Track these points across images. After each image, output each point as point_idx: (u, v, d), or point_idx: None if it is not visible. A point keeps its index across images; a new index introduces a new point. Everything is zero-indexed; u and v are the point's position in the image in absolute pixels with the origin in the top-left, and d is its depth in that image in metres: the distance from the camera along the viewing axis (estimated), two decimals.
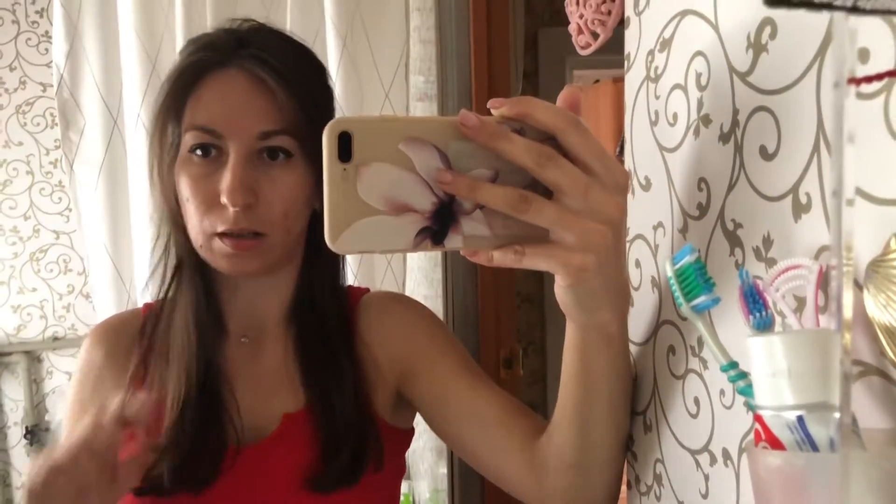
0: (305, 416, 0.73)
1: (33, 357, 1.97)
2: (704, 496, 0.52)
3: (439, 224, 0.43)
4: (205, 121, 0.67)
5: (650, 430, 0.61)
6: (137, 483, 0.63)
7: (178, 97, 0.69)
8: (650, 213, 0.60)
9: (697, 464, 0.53)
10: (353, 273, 1.56)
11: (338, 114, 1.55)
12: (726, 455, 0.49)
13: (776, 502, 0.33)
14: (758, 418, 0.35)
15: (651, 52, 0.58)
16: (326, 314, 0.77)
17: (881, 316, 0.34)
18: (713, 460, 0.51)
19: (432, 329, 0.79)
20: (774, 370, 0.34)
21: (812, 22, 0.39)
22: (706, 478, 0.52)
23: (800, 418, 0.33)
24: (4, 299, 1.95)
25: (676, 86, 0.54)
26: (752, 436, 0.46)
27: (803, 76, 0.40)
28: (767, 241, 0.44)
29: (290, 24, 1.56)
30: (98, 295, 1.70)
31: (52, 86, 1.76)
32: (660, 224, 0.58)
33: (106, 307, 1.67)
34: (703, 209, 0.51)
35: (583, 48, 0.67)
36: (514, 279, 1.65)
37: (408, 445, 0.83)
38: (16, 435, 1.96)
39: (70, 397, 0.81)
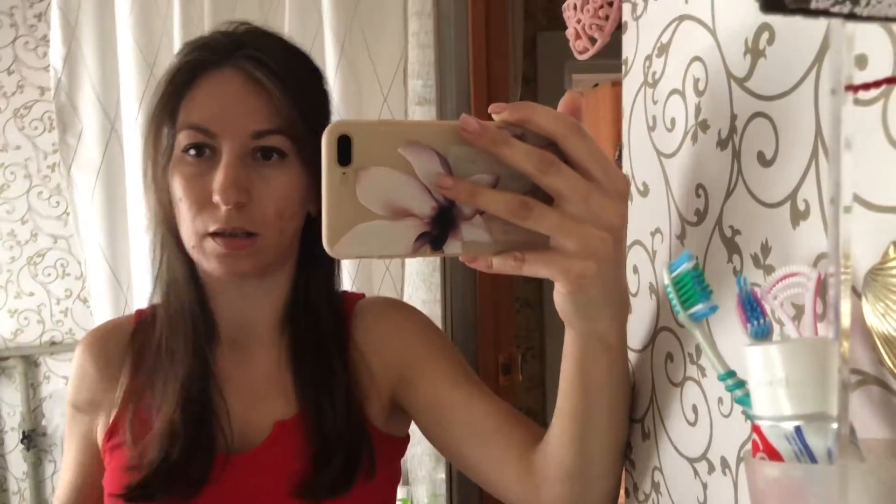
0: (297, 423, 0.73)
1: (30, 361, 1.96)
2: None
3: (439, 229, 0.43)
4: (198, 120, 0.67)
5: (648, 437, 0.61)
6: None
7: (172, 97, 0.69)
8: (648, 219, 0.59)
9: (695, 472, 0.53)
10: (350, 278, 1.56)
11: (335, 118, 1.55)
12: (724, 463, 0.49)
13: None
14: (755, 428, 0.35)
15: (649, 58, 0.58)
16: (320, 320, 0.76)
17: (880, 324, 0.33)
18: (711, 469, 0.51)
19: (428, 336, 0.79)
20: (772, 379, 0.33)
21: (810, 28, 0.39)
22: (704, 486, 0.52)
23: (797, 429, 0.32)
24: (2, 303, 1.95)
25: (674, 91, 0.54)
26: (750, 445, 0.45)
27: (801, 82, 0.40)
28: (765, 248, 0.43)
29: (288, 28, 1.56)
30: (96, 299, 1.70)
31: (49, 89, 1.76)
32: (657, 230, 0.58)
33: (103, 312, 1.67)
34: (700, 215, 0.51)
35: (580, 53, 0.66)
36: (512, 284, 1.65)
37: (402, 453, 0.83)
38: (13, 440, 1.96)
39: (67, 404, 0.81)
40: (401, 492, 1.60)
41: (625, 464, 0.64)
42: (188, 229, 0.69)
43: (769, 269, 0.43)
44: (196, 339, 0.75)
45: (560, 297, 0.50)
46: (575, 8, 0.66)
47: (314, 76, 0.76)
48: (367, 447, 0.73)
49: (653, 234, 0.59)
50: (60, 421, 1.95)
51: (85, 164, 1.65)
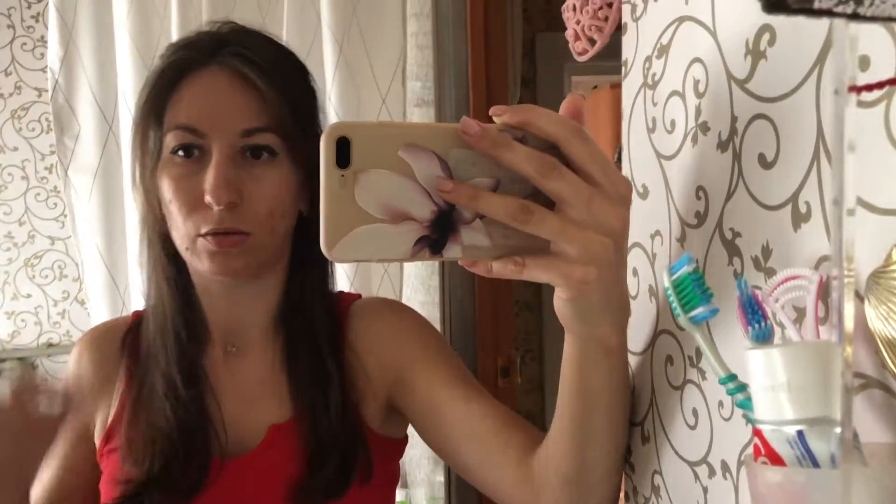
0: (292, 426, 0.72)
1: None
2: None
3: (438, 233, 0.43)
4: (186, 120, 0.67)
5: (648, 441, 0.60)
6: None
7: (158, 98, 0.68)
8: (648, 221, 0.59)
9: (696, 476, 0.53)
10: (349, 280, 1.55)
11: (332, 118, 1.54)
12: (725, 467, 0.48)
13: None
14: (757, 433, 0.35)
15: (648, 59, 0.57)
16: (314, 322, 0.76)
17: (882, 328, 0.33)
18: (712, 472, 0.50)
19: (425, 337, 0.78)
20: (774, 384, 0.33)
21: (811, 29, 0.39)
22: (705, 490, 0.51)
23: (800, 433, 0.32)
24: None
25: (674, 93, 0.53)
26: (751, 449, 0.45)
27: (802, 83, 0.39)
28: (766, 251, 0.43)
29: (286, 29, 1.55)
30: (93, 301, 1.69)
31: (47, 91, 1.76)
32: (657, 232, 0.57)
33: (101, 313, 1.66)
34: (701, 217, 0.50)
35: (580, 54, 0.66)
36: (511, 287, 1.65)
37: (400, 454, 0.82)
38: None
39: None
40: (399, 495, 1.59)
41: (624, 467, 0.64)
42: (180, 231, 0.69)
43: (770, 272, 0.43)
44: (187, 342, 0.75)
45: (560, 302, 0.49)
46: (574, 9, 0.66)
47: (301, 73, 0.75)
48: (362, 449, 0.72)
49: (652, 237, 0.58)
50: None
51: (82, 165, 1.65)
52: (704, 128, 0.50)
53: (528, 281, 0.46)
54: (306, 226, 0.74)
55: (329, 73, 1.52)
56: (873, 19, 0.24)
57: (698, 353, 0.52)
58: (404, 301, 1.57)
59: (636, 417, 0.63)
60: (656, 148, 0.57)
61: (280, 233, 0.72)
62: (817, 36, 0.38)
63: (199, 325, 0.77)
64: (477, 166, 0.42)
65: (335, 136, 0.41)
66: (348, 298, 0.82)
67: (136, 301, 1.58)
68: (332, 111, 1.52)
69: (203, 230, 0.67)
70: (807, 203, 0.39)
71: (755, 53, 0.44)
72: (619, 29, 0.63)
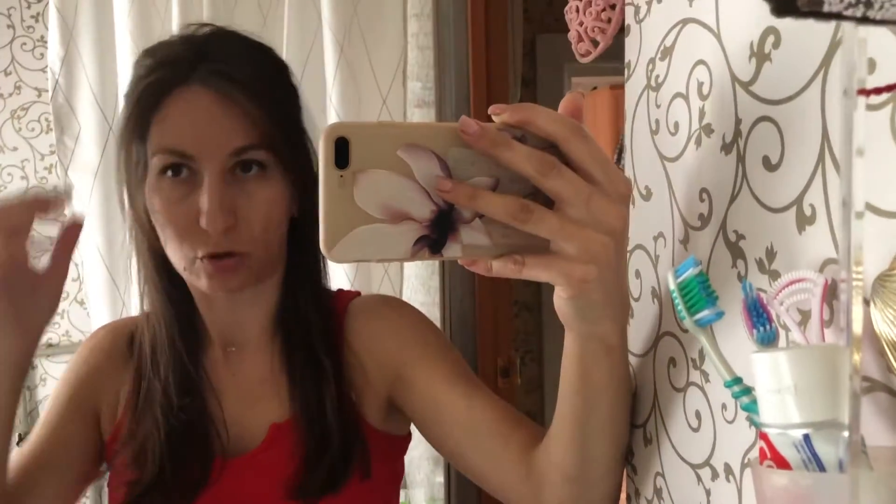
0: (292, 425, 0.73)
1: None
2: None
3: (438, 233, 0.43)
4: (174, 143, 0.66)
5: (650, 443, 0.60)
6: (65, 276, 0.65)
7: (142, 117, 0.67)
8: (651, 223, 0.59)
9: (699, 478, 0.52)
10: (349, 280, 1.55)
11: (332, 119, 1.55)
12: (728, 470, 0.48)
13: None
14: (763, 436, 0.34)
15: (652, 61, 0.57)
16: (309, 321, 0.76)
17: (888, 331, 0.33)
18: (715, 475, 0.50)
19: (424, 334, 0.78)
20: (780, 387, 0.33)
21: (817, 31, 0.38)
22: (707, 493, 0.51)
23: (806, 437, 0.32)
24: None
25: (678, 94, 0.53)
26: (755, 451, 0.45)
27: (808, 86, 0.39)
28: (770, 253, 0.43)
29: (287, 30, 1.55)
30: (93, 301, 1.69)
31: (47, 91, 1.75)
32: (660, 234, 0.57)
33: (100, 314, 1.66)
34: (704, 220, 0.50)
35: (583, 56, 0.66)
36: (511, 287, 1.65)
37: (403, 452, 0.82)
38: None
39: (61, 381, 0.79)
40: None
41: (627, 469, 0.64)
42: (176, 254, 0.69)
43: (774, 275, 0.43)
44: (186, 345, 0.75)
45: (560, 301, 0.49)
46: (577, 11, 0.66)
47: (281, 74, 0.74)
48: (360, 446, 0.72)
49: (655, 239, 0.58)
50: None
51: (82, 165, 1.64)
52: (708, 130, 0.50)
53: (527, 281, 0.46)
54: (298, 228, 0.74)
55: (330, 74, 1.52)
56: (883, 23, 0.24)
57: (701, 355, 0.52)
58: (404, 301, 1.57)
59: (638, 419, 0.63)
60: (659, 150, 0.57)
61: (275, 245, 0.72)
62: (823, 38, 0.38)
63: (197, 328, 0.77)
64: (476, 165, 0.42)
65: (334, 137, 0.40)
66: (347, 296, 0.82)
67: (137, 302, 1.58)
68: (333, 111, 1.52)
69: (200, 254, 0.67)
70: (811, 206, 0.39)
71: (760, 56, 0.43)
72: (622, 31, 0.63)
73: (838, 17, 0.24)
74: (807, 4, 0.23)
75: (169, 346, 0.75)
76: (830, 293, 0.37)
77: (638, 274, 0.62)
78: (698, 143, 0.51)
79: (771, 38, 0.42)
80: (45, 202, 0.60)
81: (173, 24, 1.55)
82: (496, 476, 0.67)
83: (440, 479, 1.57)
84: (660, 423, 0.58)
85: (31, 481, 0.72)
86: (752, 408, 0.39)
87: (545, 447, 0.61)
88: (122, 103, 0.72)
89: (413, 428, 0.81)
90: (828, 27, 0.38)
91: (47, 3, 1.73)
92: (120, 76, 1.59)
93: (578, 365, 0.54)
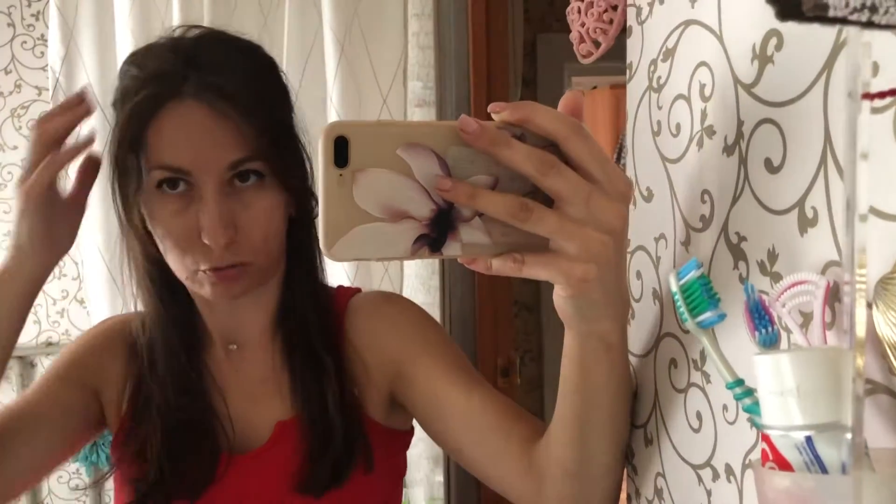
0: (296, 423, 0.73)
1: (26, 362, 1.96)
2: None
3: (437, 231, 0.43)
4: (170, 160, 0.65)
5: (651, 443, 0.61)
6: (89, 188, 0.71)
7: (135, 133, 0.66)
8: (652, 224, 0.59)
9: (699, 479, 0.53)
10: (349, 280, 1.55)
11: (333, 118, 1.54)
12: (729, 471, 0.49)
13: None
14: (765, 438, 0.35)
15: (654, 62, 0.57)
16: (307, 319, 0.76)
17: (890, 334, 0.33)
18: (716, 476, 0.50)
19: (425, 330, 0.78)
20: (783, 389, 0.33)
21: (819, 34, 0.39)
22: (708, 493, 0.51)
23: (808, 439, 0.32)
24: None
25: (679, 96, 0.54)
26: (756, 453, 0.45)
27: (810, 89, 0.39)
28: (772, 255, 0.43)
29: (287, 29, 1.55)
30: (92, 300, 1.69)
31: (47, 89, 1.75)
32: (662, 236, 0.57)
33: (100, 312, 1.66)
34: (706, 221, 0.50)
35: (584, 57, 0.66)
36: (511, 287, 1.65)
37: (406, 447, 0.82)
38: None
39: (62, 356, 0.79)
40: None
41: (627, 469, 0.64)
42: (178, 265, 0.69)
43: (776, 277, 0.43)
44: (187, 345, 0.76)
45: (560, 300, 0.49)
46: (579, 11, 0.66)
47: (271, 77, 0.73)
48: (362, 441, 0.73)
49: (657, 240, 0.58)
50: None
51: None
52: (710, 132, 0.50)
53: (527, 281, 0.46)
54: (296, 227, 0.74)
55: (330, 73, 1.52)
56: (888, 27, 0.24)
57: (702, 356, 0.52)
58: None
59: (639, 420, 0.63)
60: (661, 151, 0.57)
61: (276, 250, 0.72)
62: (825, 41, 0.38)
63: (197, 328, 0.78)
64: (476, 164, 0.42)
65: (333, 136, 0.40)
66: (347, 293, 0.82)
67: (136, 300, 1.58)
68: (334, 111, 1.52)
69: (203, 267, 0.67)
70: (813, 208, 0.40)
71: (762, 58, 0.44)
72: (623, 32, 0.63)
73: (843, 21, 0.24)
74: (812, 9, 0.23)
75: (168, 347, 0.75)
76: (832, 295, 0.37)
77: (639, 275, 0.62)
78: (700, 144, 0.51)
79: (773, 41, 0.42)
80: (79, 99, 0.67)
81: (174, 22, 1.55)
82: (497, 471, 0.68)
83: (440, 478, 1.57)
84: (660, 424, 0.59)
85: (23, 427, 0.71)
86: (754, 409, 0.39)
87: (546, 443, 0.62)
88: (109, 111, 0.72)
89: (414, 424, 0.82)
90: (830, 30, 0.38)
91: (48, 1, 1.73)
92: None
93: (578, 363, 0.54)
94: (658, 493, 0.59)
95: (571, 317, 0.51)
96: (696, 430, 0.53)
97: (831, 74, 0.38)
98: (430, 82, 1.55)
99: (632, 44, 0.62)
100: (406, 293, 1.61)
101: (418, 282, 1.58)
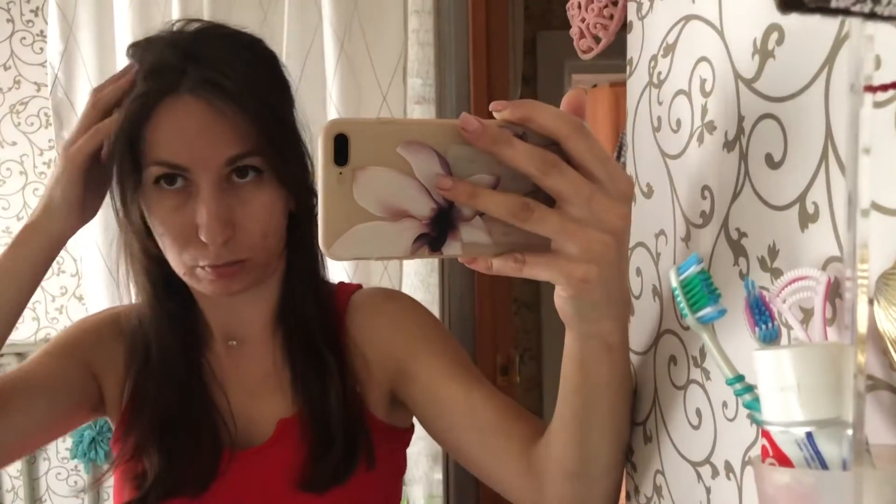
0: (298, 420, 0.73)
1: (24, 358, 1.95)
2: None
3: (438, 230, 0.42)
4: (167, 156, 0.65)
5: (650, 440, 0.60)
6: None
7: (133, 129, 0.65)
8: (652, 220, 0.59)
9: (699, 476, 0.52)
10: (349, 278, 1.55)
11: (332, 115, 1.54)
12: (728, 468, 0.48)
13: None
14: (765, 434, 0.34)
15: (654, 58, 0.57)
16: (307, 315, 0.76)
17: (892, 329, 0.33)
18: (715, 473, 0.50)
19: (425, 328, 0.78)
20: (783, 385, 0.33)
21: (820, 28, 0.38)
22: (707, 490, 0.51)
23: (809, 434, 0.32)
24: None
25: (680, 92, 0.53)
26: (755, 449, 0.45)
27: (811, 83, 0.39)
28: (773, 251, 0.43)
29: (287, 25, 1.55)
30: (91, 297, 1.69)
31: (46, 85, 1.75)
32: (662, 232, 0.57)
33: (99, 309, 1.66)
34: (706, 217, 0.50)
35: (584, 52, 0.66)
36: (511, 285, 1.65)
37: (406, 444, 0.82)
38: None
39: (54, 339, 0.79)
40: None
41: (626, 466, 0.64)
42: (176, 261, 0.68)
43: (776, 273, 0.42)
44: (186, 342, 0.76)
45: (561, 300, 0.49)
46: (579, 7, 0.65)
47: (272, 72, 0.73)
48: (365, 437, 0.73)
49: (657, 236, 0.58)
50: None
51: None
52: (710, 127, 0.49)
53: (527, 280, 0.45)
54: (297, 223, 0.74)
55: (330, 70, 1.52)
56: (891, 19, 0.23)
57: (702, 352, 0.52)
58: None
59: (638, 417, 0.63)
60: (661, 147, 0.57)
61: (276, 246, 0.72)
62: (827, 36, 0.38)
63: (197, 323, 0.77)
64: (477, 163, 0.42)
65: (333, 134, 0.40)
66: (348, 289, 0.82)
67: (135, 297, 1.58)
68: (333, 108, 1.52)
69: (201, 263, 0.67)
70: (814, 203, 0.39)
71: (763, 53, 0.43)
72: (624, 27, 0.63)
73: (846, 12, 0.23)
74: (814, 0, 0.23)
75: (163, 343, 0.75)
76: (833, 291, 0.37)
77: (639, 272, 0.62)
78: (700, 140, 0.51)
79: (774, 35, 0.42)
80: (129, 70, 0.69)
81: (173, 19, 1.55)
82: (497, 470, 0.67)
83: (439, 475, 1.57)
84: (660, 421, 0.58)
85: (18, 395, 0.71)
86: (754, 405, 0.39)
87: (546, 443, 0.61)
88: None
89: (414, 422, 0.82)
90: (832, 24, 0.38)
91: None
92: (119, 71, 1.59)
93: (579, 364, 0.54)
94: (657, 490, 0.59)
95: (572, 317, 0.50)
96: (696, 427, 0.53)
97: (832, 69, 0.38)
98: (430, 79, 1.54)
99: (632, 39, 0.61)
100: (405, 291, 1.61)
101: (417, 280, 1.58)
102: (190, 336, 0.76)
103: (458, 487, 1.51)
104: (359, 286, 0.83)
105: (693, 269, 0.42)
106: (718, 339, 0.46)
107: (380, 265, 1.59)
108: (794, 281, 0.37)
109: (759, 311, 0.37)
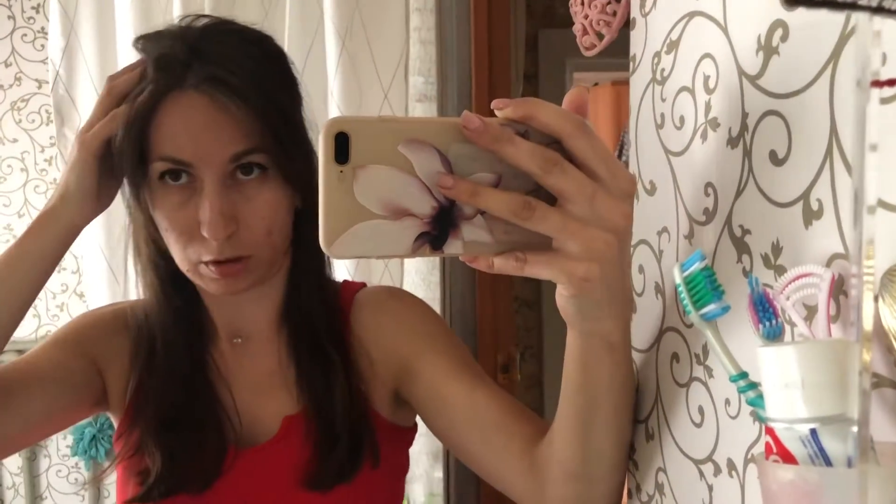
0: (303, 417, 0.73)
1: None
2: None
3: (439, 229, 0.42)
4: (172, 152, 0.65)
5: (652, 438, 0.60)
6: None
7: (138, 122, 0.66)
8: (655, 218, 0.59)
9: (701, 474, 0.52)
10: (350, 275, 1.55)
11: (333, 113, 1.54)
12: (731, 465, 0.48)
13: None
14: (769, 431, 0.34)
15: (657, 54, 0.57)
16: (312, 314, 0.76)
17: None
18: (717, 470, 0.50)
19: (429, 326, 0.78)
20: (787, 381, 0.33)
21: (825, 24, 0.38)
22: (710, 488, 0.51)
23: (813, 431, 0.32)
24: None
25: (683, 88, 0.53)
26: (758, 447, 0.45)
27: (816, 80, 0.39)
28: (776, 248, 0.43)
29: (288, 23, 1.55)
30: (92, 294, 1.69)
31: (47, 82, 1.75)
32: (665, 229, 0.57)
33: (97, 307, 1.66)
34: (709, 215, 0.50)
35: (587, 49, 0.66)
36: (512, 284, 1.65)
37: (409, 444, 0.82)
38: None
39: (57, 331, 0.79)
40: None
41: (628, 463, 0.64)
42: (180, 257, 0.69)
43: (780, 270, 0.42)
44: (191, 338, 0.76)
45: (562, 299, 0.49)
46: (582, 4, 0.65)
47: (280, 69, 0.73)
48: (369, 435, 0.73)
49: (659, 234, 0.58)
50: None
51: None
52: (714, 124, 0.49)
53: (527, 278, 0.45)
54: (302, 220, 0.74)
55: (331, 68, 1.52)
56: None
57: (705, 350, 0.52)
58: None
59: (640, 415, 0.62)
60: (664, 144, 0.57)
61: (280, 243, 0.72)
62: (831, 32, 0.38)
63: (202, 320, 0.77)
64: (478, 161, 0.42)
65: (334, 132, 0.40)
66: (352, 288, 0.82)
67: (136, 294, 1.58)
68: (335, 106, 1.52)
69: (204, 258, 0.67)
70: (819, 200, 0.39)
71: (767, 49, 0.43)
72: (627, 24, 0.63)
73: (852, 6, 0.23)
74: None
75: (168, 339, 0.75)
76: (837, 288, 0.37)
77: (641, 269, 0.62)
78: (704, 137, 0.51)
79: (779, 32, 0.42)
80: (141, 63, 0.69)
81: (174, 16, 1.54)
82: (499, 470, 0.67)
83: (439, 474, 1.57)
84: (662, 419, 0.58)
85: (24, 385, 0.71)
86: (757, 402, 0.38)
87: (548, 443, 0.61)
88: None
89: (417, 422, 0.82)
90: (836, 21, 0.37)
91: None
92: (121, 67, 1.59)
93: (580, 363, 0.54)
94: (659, 488, 0.59)
95: (574, 316, 0.50)
96: (698, 425, 0.53)
97: (837, 65, 0.38)
98: (432, 77, 1.54)
99: (635, 36, 0.61)
100: (406, 289, 1.60)
101: (419, 278, 1.57)
102: (195, 332, 0.76)
103: (459, 486, 1.51)
104: (363, 284, 0.83)
105: (697, 266, 0.41)
106: (722, 337, 0.46)
107: (381, 263, 1.59)
108: (797, 278, 0.37)
109: (763, 308, 0.37)
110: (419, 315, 0.79)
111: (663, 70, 0.56)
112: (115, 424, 0.78)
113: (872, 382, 0.35)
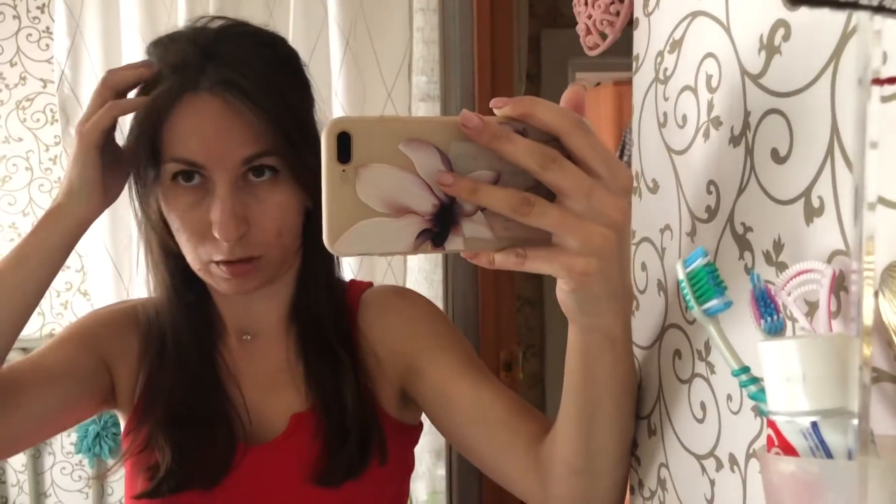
0: (312, 415, 0.74)
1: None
2: (710, 502, 0.52)
3: (440, 226, 0.43)
4: (184, 154, 0.66)
5: (654, 434, 0.61)
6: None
7: (151, 124, 0.66)
8: (657, 215, 0.59)
9: (703, 469, 0.53)
10: (353, 273, 1.56)
11: (337, 112, 1.54)
12: (733, 460, 0.49)
13: None
14: (770, 424, 0.35)
15: (660, 54, 0.58)
16: (321, 313, 0.77)
17: None
18: (719, 466, 0.51)
19: (434, 325, 0.79)
20: (789, 375, 0.33)
21: (827, 24, 0.39)
22: (712, 483, 0.52)
23: (814, 424, 0.32)
24: None
25: (686, 87, 0.54)
26: (760, 441, 0.45)
27: (817, 79, 0.40)
28: (778, 245, 0.43)
29: (292, 23, 1.55)
30: (96, 292, 1.70)
31: (52, 82, 1.76)
32: (667, 227, 0.58)
33: (104, 304, 1.67)
34: (711, 212, 0.51)
35: (591, 49, 0.66)
36: (514, 282, 1.65)
37: (415, 442, 0.83)
38: None
39: (66, 329, 0.80)
40: None
41: (630, 459, 0.64)
42: (192, 256, 0.69)
43: (782, 267, 0.43)
44: (200, 335, 0.76)
45: (563, 294, 0.50)
46: (585, 4, 0.66)
47: (293, 72, 0.73)
48: (377, 432, 0.73)
49: (662, 231, 0.59)
50: None
51: None
52: (717, 122, 0.50)
53: (530, 275, 0.46)
54: (313, 220, 0.75)
55: (335, 68, 1.52)
56: None
57: (707, 346, 0.52)
58: None
59: (643, 411, 0.63)
60: (667, 142, 0.57)
61: (291, 243, 0.72)
62: (833, 31, 0.38)
63: (211, 317, 0.78)
64: (478, 159, 0.43)
65: (336, 132, 0.41)
66: (359, 287, 0.83)
67: (141, 292, 1.59)
68: (338, 105, 1.52)
69: (216, 259, 0.67)
70: (820, 198, 0.40)
71: (769, 48, 0.44)
72: (630, 24, 0.63)
73: (854, 6, 0.24)
74: None
75: (179, 336, 0.76)
76: (838, 284, 0.37)
77: (644, 266, 0.62)
78: (706, 135, 0.51)
79: (781, 31, 0.43)
80: (146, 62, 0.69)
81: (179, 16, 1.55)
82: (503, 466, 0.68)
83: (442, 471, 1.57)
84: (664, 415, 0.59)
85: (33, 381, 0.71)
86: (759, 397, 0.39)
87: (551, 440, 0.62)
88: (128, 95, 0.72)
89: (423, 420, 0.82)
90: (838, 20, 0.38)
91: None
92: None
93: (582, 358, 0.54)
94: (661, 483, 0.60)
95: (574, 311, 0.51)
96: (700, 421, 0.53)
97: (839, 65, 0.38)
98: (435, 77, 1.55)
99: (638, 36, 0.62)
100: (409, 287, 1.61)
101: (421, 276, 1.58)
102: (205, 329, 0.77)
103: (462, 483, 1.51)
104: (370, 284, 0.84)
105: (699, 262, 0.42)
106: (724, 331, 0.47)
107: (384, 262, 1.60)
108: (799, 274, 0.38)
109: (765, 304, 0.38)
110: (425, 314, 0.80)
111: (666, 69, 0.57)
112: (123, 421, 0.79)
113: (872, 377, 0.35)
